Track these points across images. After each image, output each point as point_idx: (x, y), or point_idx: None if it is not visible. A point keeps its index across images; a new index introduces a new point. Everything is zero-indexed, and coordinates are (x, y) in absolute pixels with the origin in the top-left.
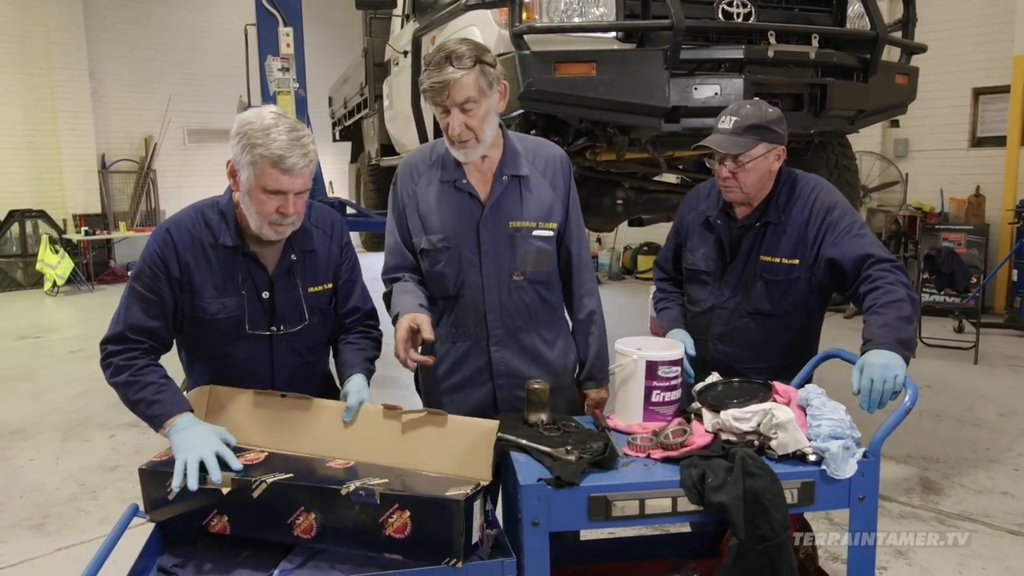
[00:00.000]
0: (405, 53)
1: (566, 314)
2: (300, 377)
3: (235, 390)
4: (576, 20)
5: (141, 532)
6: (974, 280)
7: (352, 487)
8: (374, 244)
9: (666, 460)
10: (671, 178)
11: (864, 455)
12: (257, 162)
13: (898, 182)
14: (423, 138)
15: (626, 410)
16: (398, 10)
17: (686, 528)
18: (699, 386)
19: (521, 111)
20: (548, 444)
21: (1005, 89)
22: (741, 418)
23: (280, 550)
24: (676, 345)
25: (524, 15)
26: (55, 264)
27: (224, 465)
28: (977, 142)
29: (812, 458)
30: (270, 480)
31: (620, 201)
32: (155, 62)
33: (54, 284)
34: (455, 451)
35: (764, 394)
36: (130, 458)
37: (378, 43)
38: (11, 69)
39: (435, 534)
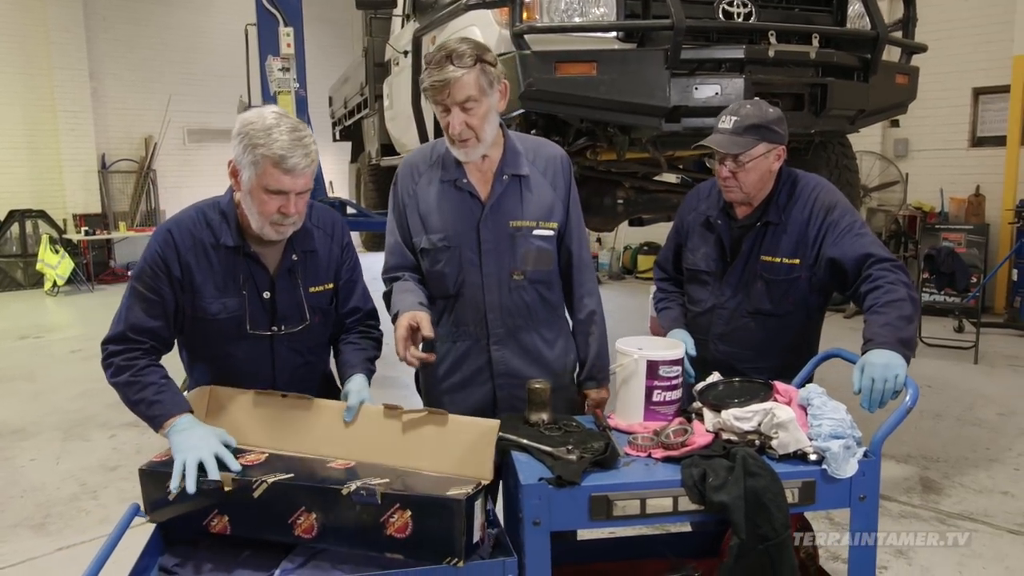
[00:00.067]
0: (405, 53)
1: (566, 314)
2: (301, 377)
3: (235, 390)
4: (577, 20)
5: (142, 532)
6: (974, 280)
7: (353, 487)
8: (374, 244)
9: (667, 460)
10: (671, 178)
11: (865, 455)
12: (259, 162)
13: (898, 182)
14: (423, 138)
15: (627, 410)
16: (398, 10)
17: (687, 528)
18: (700, 386)
19: (521, 111)
20: (549, 443)
21: (1005, 89)
22: (742, 417)
23: (281, 550)
24: (677, 345)
25: (525, 15)
26: (55, 264)
27: (223, 466)
28: (977, 142)
29: (813, 457)
30: (271, 480)
31: (620, 201)
32: (155, 62)
33: (54, 284)
34: (456, 451)
35: (765, 394)
36: (131, 458)
37: (378, 43)
38: (11, 69)
39: (436, 534)
